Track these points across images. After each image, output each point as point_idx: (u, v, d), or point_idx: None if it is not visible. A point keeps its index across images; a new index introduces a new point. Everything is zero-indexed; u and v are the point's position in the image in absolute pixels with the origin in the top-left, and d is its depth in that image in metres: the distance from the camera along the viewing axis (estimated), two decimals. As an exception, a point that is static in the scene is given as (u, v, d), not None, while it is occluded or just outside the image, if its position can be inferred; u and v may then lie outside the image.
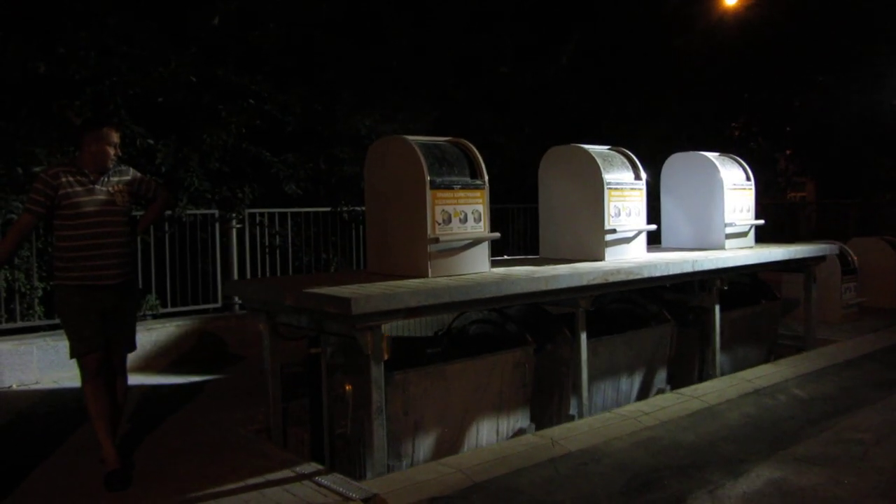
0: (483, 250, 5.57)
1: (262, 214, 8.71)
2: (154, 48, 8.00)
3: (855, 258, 10.04)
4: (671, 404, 5.92)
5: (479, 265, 5.53)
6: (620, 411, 5.76)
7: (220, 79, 8.50)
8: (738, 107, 16.77)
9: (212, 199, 8.36)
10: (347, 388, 4.98)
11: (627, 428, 5.34)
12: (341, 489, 4.12)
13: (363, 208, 9.30)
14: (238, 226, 8.41)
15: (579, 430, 5.29)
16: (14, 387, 6.59)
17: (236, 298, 8.29)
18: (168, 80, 8.06)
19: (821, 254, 8.28)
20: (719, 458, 4.82)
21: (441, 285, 4.82)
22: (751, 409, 5.89)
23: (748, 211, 7.84)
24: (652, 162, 13.22)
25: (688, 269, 6.45)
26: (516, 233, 11.16)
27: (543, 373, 5.86)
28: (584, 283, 5.59)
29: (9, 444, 4.93)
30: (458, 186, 5.37)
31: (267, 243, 8.73)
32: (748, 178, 7.91)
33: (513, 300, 5.31)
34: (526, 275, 5.37)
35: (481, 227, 5.52)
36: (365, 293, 4.42)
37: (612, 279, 5.76)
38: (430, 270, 5.23)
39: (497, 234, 5.67)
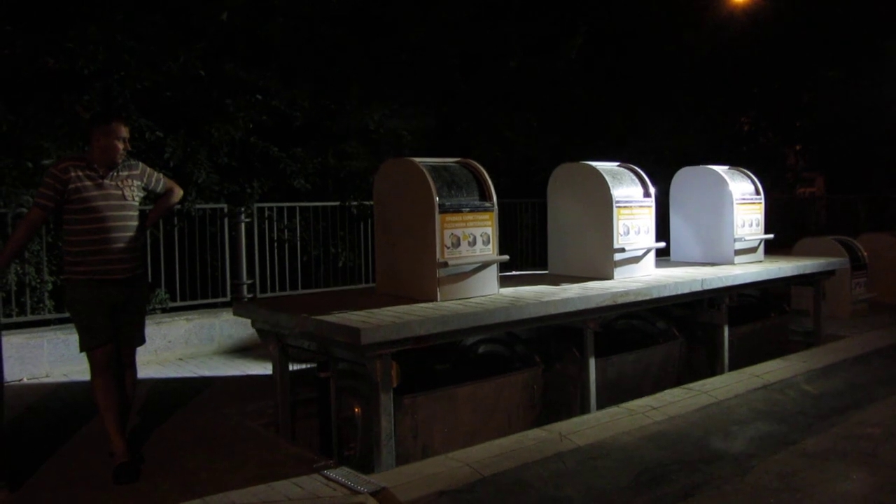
0: (492, 272, 5.58)
1: (270, 209, 8.73)
2: (162, 43, 8.00)
3: (865, 254, 9.99)
4: (680, 399, 5.91)
5: (487, 287, 5.54)
6: (628, 406, 5.75)
7: (229, 73, 8.50)
8: (747, 101, 16.68)
9: (220, 193, 8.38)
10: (356, 410, 4.98)
11: (636, 422, 5.33)
12: (349, 483, 4.13)
13: (371, 203, 9.32)
14: (247, 220, 8.43)
15: (587, 425, 5.29)
16: (24, 380, 6.63)
17: (245, 291, 8.32)
18: (177, 74, 8.07)
19: (830, 268, 8.26)
20: (728, 453, 4.81)
21: (450, 312, 4.82)
22: (759, 404, 5.88)
23: (757, 225, 7.83)
24: (660, 157, 13.22)
25: (696, 288, 6.46)
26: (524, 227, 11.14)
27: (552, 392, 5.88)
28: (593, 305, 5.60)
29: (19, 437, 4.95)
30: (467, 209, 5.38)
31: (276, 237, 8.74)
32: (757, 192, 7.89)
33: (522, 325, 5.32)
34: (534, 298, 5.37)
35: (490, 250, 5.52)
36: (374, 322, 4.44)
37: (620, 300, 5.78)
38: (438, 294, 5.25)
39: (506, 257, 5.68)
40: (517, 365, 5.71)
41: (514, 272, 7.24)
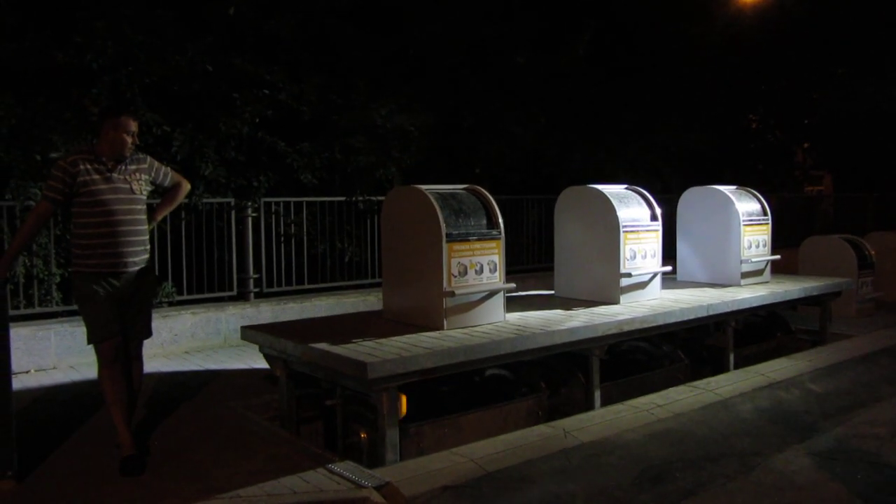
0: (498, 300, 5.60)
1: (277, 203, 8.74)
2: (170, 37, 8.01)
3: (872, 252, 9.95)
4: (685, 397, 5.91)
5: (494, 315, 5.57)
6: (633, 403, 5.75)
7: (236, 68, 8.51)
8: (755, 98, 16.63)
9: (227, 187, 8.40)
10: (363, 436, 5.02)
11: (640, 420, 5.34)
12: (354, 477, 4.14)
13: (378, 198, 9.34)
14: (254, 214, 8.45)
15: (592, 422, 5.30)
16: (32, 371, 6.67)
17: (251, 285, 8.34)
18: (184, 69, 8.08)
19: (836, 289, 8.26)
20: (732, 451, 4.81)
21: (456, 344, 4.84)
22: (765, 402, 5.87)
23: (764, 246, 7.84)
24: (666, 154, 13.20)
25: (702, 314, 6.47)
26: (530, 224, 11.13)
27: (556, 417, 5.87)
28: (599, 333, 5.62)
29: (27, 428, 4.98)
30: (475, 238, 5.41)
31: (282, 232, 8.76)
32: (764, 213, 7.89)
33: (527, 354, 5.33)
34: (540, 327, 5.40)
35: (496, 278, 5.54)
36: (380, 356, 4.47)
37: (626, 328, 5.81)
38: (445, 323, 5.29)
39: (513, 285, 5.69)
40: (523, 390, 5.71)
41: (520, 293, 7.22)
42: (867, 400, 6.02)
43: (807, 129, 18.15)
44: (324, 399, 5.37)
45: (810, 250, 10.07)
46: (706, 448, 4.86)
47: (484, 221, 5.54)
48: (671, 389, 6.22)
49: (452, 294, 5.26)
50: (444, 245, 5.21)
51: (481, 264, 5.42)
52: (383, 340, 4.93)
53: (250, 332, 5.65)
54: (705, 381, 6.42)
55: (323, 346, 4.80)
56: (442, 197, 5.45)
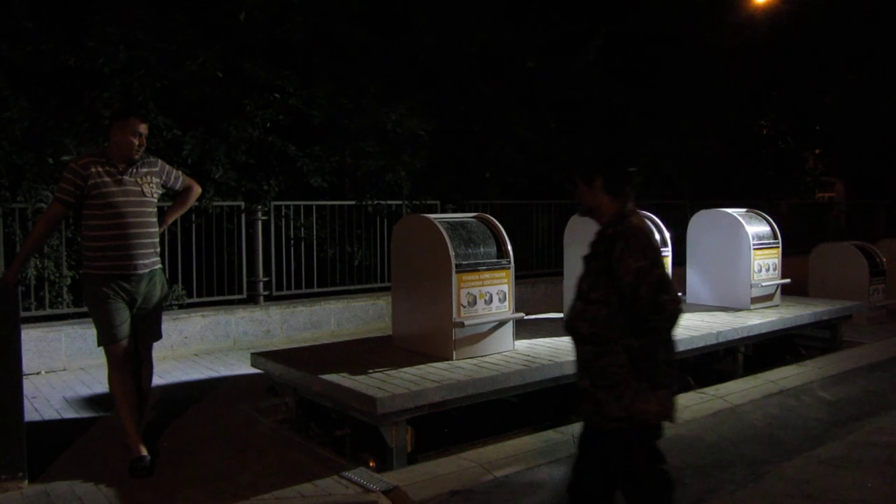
0: (507, 329, 5.60)
1: (287, 207, 8.77)
2: (182, 42, 8.05)
3: (884, 259, 9.89)
4: (694, 404, 5.88)
5: (503, 345, 5.58)
6: (642, 409, 5.72)
7: (247, 72, 8.55)
8: (766, 104, 16.57)
9: (238, 190, 8.42)
10: (371, 464, 5.03)
11: (649, 426, 5.31)
12: (363, 481, 4.15)
13: (388, 202, 9.36)
14: (264, 218, 8.47)
15: (600, 428, 5.27)
16: (42, 373, 6.70)
17: (261, 289, 8.36)
18: (196, 73, 8.12)
19: (847, 312, 8.24)
20: (741, 458, 4.79)
21: (465, 378, 4.85)
22: (775, 409, 5.84)
23: (774, 269, 7.83)
24: (677, 160, 13.14)
25: (711, 341, 6.46)
26: (540, 229, 11.11)
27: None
28: None
29: (37, 429, 5.01)
30: (484, 268, 5.41)
31: (292, 235, 8.78)
32: (774, 236, 7.88)
33: (537, 385, 5.32)
34: (549, 358, 5.39)
35: (506, 307, 5.54)
36: (390, 391, 4.48)
37: None
38: (454, 353, 5.30)
39: (521, 315, 5.69)
40: (532, 418, 5.69)
41: (531, 316, 7.18)
42: (878, 407, 5.98)
43: (818, 135, 18.07)
44: (332, 417, 5.37)
45: (821, 257, 10.01)
46: (715, 455, 4.83)
47: (493, 250, 5.55)
48: (680, 396, 6.18)
49: (462, 325, 5.27)
50: (454, 275, 5.23)
51: (490, 294, 5.43)
52: (392, 372, 4.95)
53: (261, 360, 5.66)
54: (714, 387, 6.40)
55: (333, 377, 4.83)
56: (451, 226, 5.46)
